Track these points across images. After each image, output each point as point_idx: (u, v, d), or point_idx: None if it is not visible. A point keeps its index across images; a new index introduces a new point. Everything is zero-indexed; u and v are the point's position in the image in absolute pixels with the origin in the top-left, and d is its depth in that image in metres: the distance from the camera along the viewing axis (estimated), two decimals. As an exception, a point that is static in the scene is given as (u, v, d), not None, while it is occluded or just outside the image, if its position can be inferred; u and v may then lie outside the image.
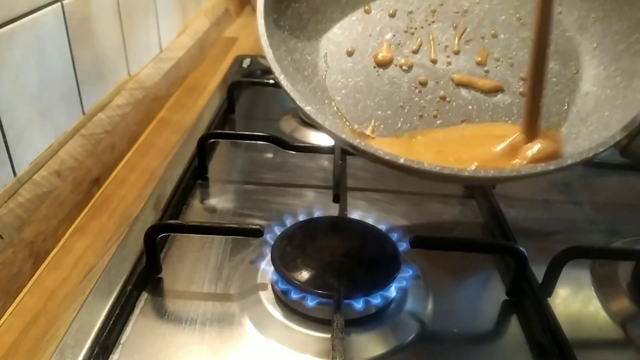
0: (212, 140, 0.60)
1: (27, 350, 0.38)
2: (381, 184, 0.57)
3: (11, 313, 0.41)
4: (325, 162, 0.60)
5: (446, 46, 0.43)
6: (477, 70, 0.42)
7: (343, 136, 0.33)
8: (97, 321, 0.37)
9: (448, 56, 0.43)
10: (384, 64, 0.42)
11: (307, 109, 0.34)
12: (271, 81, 0.73)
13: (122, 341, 0.37)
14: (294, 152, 0.59)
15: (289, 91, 0.35)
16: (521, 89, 0.41)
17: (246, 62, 0.87)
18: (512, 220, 0.49)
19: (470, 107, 0.41)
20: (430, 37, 0.43)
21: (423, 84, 0.42)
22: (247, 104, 0.75)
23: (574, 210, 0.55)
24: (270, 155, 0.62)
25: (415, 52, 0.43)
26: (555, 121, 0.40)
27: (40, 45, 0.48)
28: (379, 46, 0.43)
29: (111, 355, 0.36)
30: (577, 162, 0.33)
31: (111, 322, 0.37)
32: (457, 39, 0.43)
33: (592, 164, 0.59)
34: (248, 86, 0.78)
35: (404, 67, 0.42)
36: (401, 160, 0.32)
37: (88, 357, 0.34)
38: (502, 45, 0.43)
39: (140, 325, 0.39)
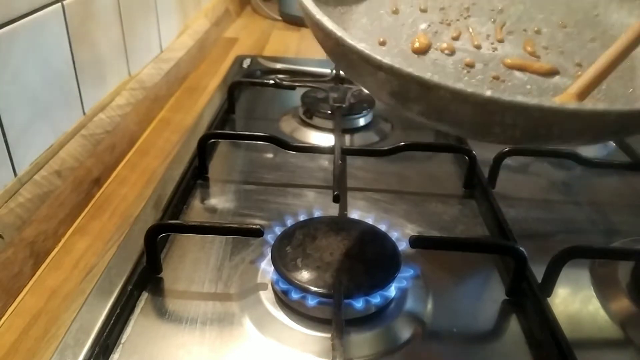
0: (212, 140, 0.60)
1: (28, 350, 0.38)
2: (381, 184, 0.57)
3: (12, 313, 0.41)
4: (325, 162, 0.60)
5: (488, 35, 0.40)
6: (526, 56, 0.39)
7: (411, 71, 0.26)
8: (97, 321, 0.37)
9: (492, 43, 0.39)
10: (422, 51, 0.38)
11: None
12: (271, 81, 0.73)
13: (122, 341, 0.37)
14: (294, 152, 0.59)
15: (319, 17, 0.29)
16: (579, 72, 0.38)
17: (246, 63, 0.87)
18: (512, 220, 0.49)
19: (528, 86, 0.38)
20: (470, 30, 0.40)
21: (470, 65, 0.38)
22: (247, 104, 0.75)
23: (573, 210, 0.55)
24: (270, 155, 0.62)
25: (455, 38, 0.39)
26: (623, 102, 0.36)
27: (40, 46, 0.48)
28: (414, 34, 0.39)
29: (112, 355, 0.36)
30: None
31: (112, 321, 0.37)
32: (498, 29, 0.40)
33: (592, 164, 0.59)
34: (248, 86, 0.78)
35: (446, 52, 0.38)
36: (488, 93, 0.25)
37: (88, 357, 0.34)
38: (547, 37, 0.40)
39: (140, 325, 0.39)
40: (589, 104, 0.27)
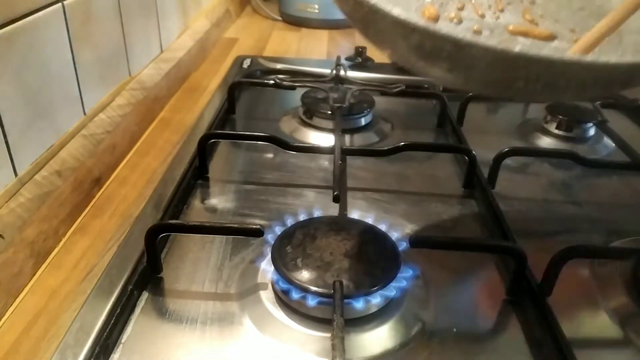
0: (212, 140, 0.60)
1: (28, 350, 0.38)
2: (381, 184, 0.57)
3: (12, 313, 0.41)
4: (325, 162, 0.60)
5: (490, 5, 0.44)
6: (526, 24, 0.43)
7: (447, 32, 0.28)
8: (98, 321, 0.37)
9: (494, 13, 0.43)
10: (432, 21, 0.42)
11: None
12: (271, 82, 0.73)
13: (122, 340, 0.37)
14: (294, 152, 0.59)
15: None
16: (575, 38, 0.41)
17: (246, 63, 0.88)
18: (512, 220, 0.49)
19: None
20: (473, 1, 0.44)
21: (478, 32, 0.42)
22: (248, 104, 0.75)
23: (573, 210, 0.55)
24: (270, 155, 0.62)
25: (460, 9, 0.43)
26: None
27: (41, 46, 0.48)
28: (422, 6, 0.43)
29: (112, 355, 0.36)
30: None
31: (112, 321, 0.37)
32: (498, 0, 0.44)
33: (592, 164, 0.59)
34: (248, 86, 0.78)
35: (454, 21, 0.42)
36: (517, 49, 0.28)
37: (89, 357, 0.34)
38: (541, 8, 0.44)
39: (141, 324, 0.39)
40: (603, 57, 0.30)
